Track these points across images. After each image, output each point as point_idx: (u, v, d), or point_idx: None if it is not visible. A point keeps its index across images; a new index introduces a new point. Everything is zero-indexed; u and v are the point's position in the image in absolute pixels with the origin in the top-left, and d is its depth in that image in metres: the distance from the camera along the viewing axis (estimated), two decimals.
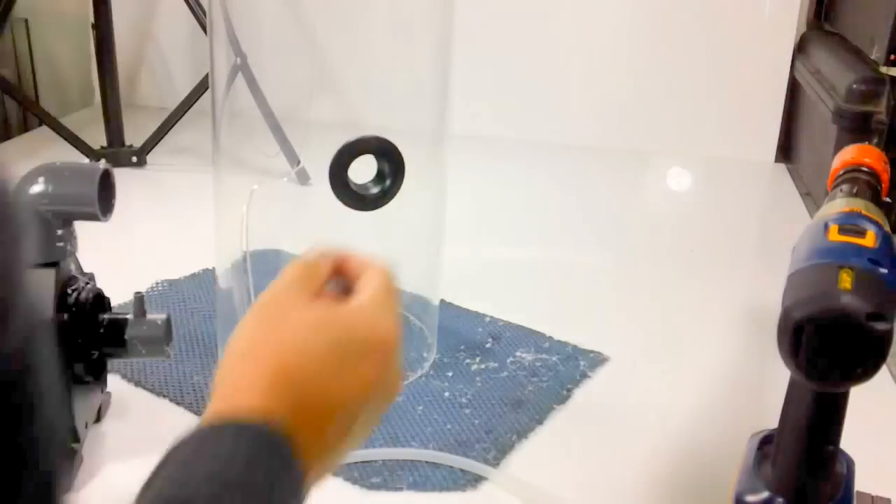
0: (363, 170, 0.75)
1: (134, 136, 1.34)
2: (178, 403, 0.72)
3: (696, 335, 0.89)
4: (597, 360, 0.82)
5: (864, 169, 0.62)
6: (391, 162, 0.75)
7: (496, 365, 0.80)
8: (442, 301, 0.89)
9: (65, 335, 0.60)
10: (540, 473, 0.66)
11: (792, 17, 1.41)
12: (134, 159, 1.31)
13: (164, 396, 0.73)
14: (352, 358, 0.35)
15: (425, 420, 0.71)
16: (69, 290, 0.61)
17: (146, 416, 0.71)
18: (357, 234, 0.87)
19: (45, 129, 1.31)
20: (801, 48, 1.42)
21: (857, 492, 0.54)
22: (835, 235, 0.51)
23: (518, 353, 0.82)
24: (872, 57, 1.08)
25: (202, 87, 1.20)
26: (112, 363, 0.75)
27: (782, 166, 1.47)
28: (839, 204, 0.56)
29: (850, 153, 0.64)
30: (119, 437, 0.68)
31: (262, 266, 0.90)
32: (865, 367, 0.45)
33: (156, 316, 0.64)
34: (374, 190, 0.76)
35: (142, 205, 1.19)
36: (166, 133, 1.32)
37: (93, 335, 0.63)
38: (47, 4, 1.57)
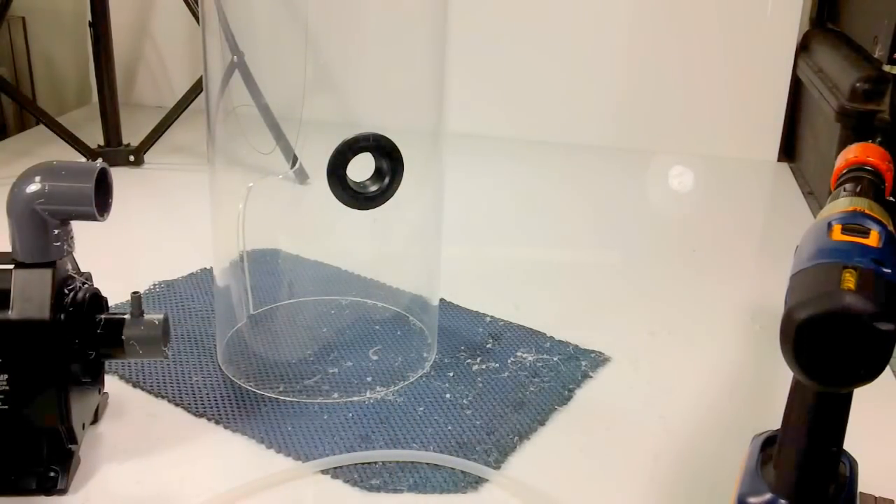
0: (361, 168, 0.75)
1: (131, 134, 1.34)
2: (176, 404, 0.72)
3: (698, 335, 0.89)
4: (598, 360, 0.81)
5: (868, 168, 0.62)
6: (390, 160, 0.75)
7: (497, 365, 0.79)
8: (442, 301, 0.89)
9: (62, 335, 0.59)
10: (542, 475, 0.65)
11: (794, 16, 1.41)
12: (131, 158, 1.31)
13: (162, 397, 0.73)
14: None
15: (426, 421, 0.71)
16: (66, 290, 0.61)
17: (144, 417, 0.71)
18: (355, 233, 0.87)
19: (42, 127, 1.31)
20: (803, 46, 1.42)
21: (861, 493, 0.54)
22: (838, 235, 0.50)
23: (519, 354, 0.81)
24: (876, 55, 1.08)
25: (199, 85, 1.20)
26: (110, 363, 0.75)
27: (785, 165, 1.46)
28: (842, 203, 0.55)
29: (854, 152, 0.64)
30: (117, 438, 0.68)
31: (260, 265, 0.90)
32: (869, 367, 0.45)
33: (153, 316, 0.64)
34: (373, 188, 0.75)
35: (139, 204, 1.19)
36: (164, 132, 1.31)
37: (90, 335, 0.62)
38: (45, 2, 1.57)
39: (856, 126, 1.07)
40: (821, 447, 0.50)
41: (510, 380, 0.77)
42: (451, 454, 0.66)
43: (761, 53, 1.43)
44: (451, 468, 0.65)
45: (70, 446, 0.62)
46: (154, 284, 0.93)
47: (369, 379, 0.77)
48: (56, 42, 1.62)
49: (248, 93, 1.04)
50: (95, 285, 0.65)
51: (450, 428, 0.70)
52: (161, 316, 0.64)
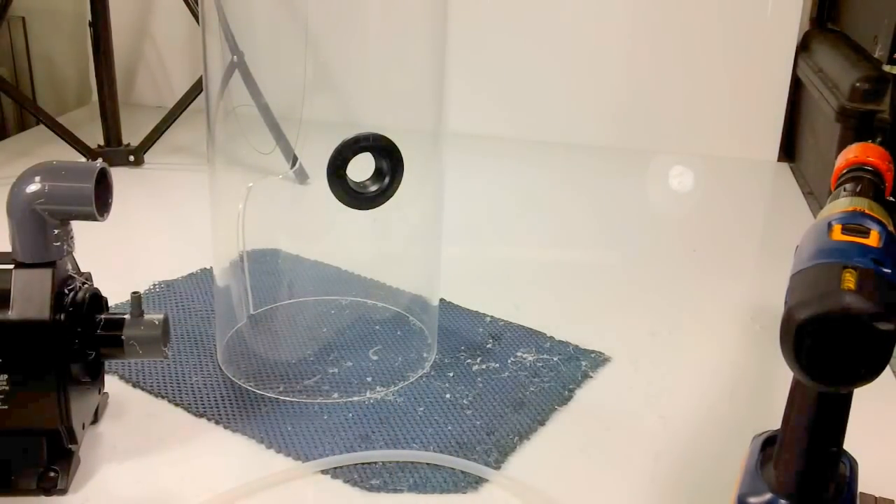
0: (361, 168, 0.75)
1: (131, 134, 1.34)
2: (176, 404, 0.72)
3: (699, 335, 0.89)
4: (598, 360, 0.81)
5: (868, 168, 0.62)
6: (390, 160, 0.75)
7: (497, 365, 0.79)
8: (442, 301, 0.89)
9: (62, 335, 0.59)
10: (542, 475, 0.65)
11: (794, 16, 1.41)
12: (131, 158, 1.31)
13: (162, 397, 0.73)
14: None
15: (426, 421, 0.71)
16: (66, 290, 0.61)
17: (144, 417, 0.71)
18: (355, 233, 0.87)
19: (42, 127, 1.31)
20: (803, 46, 1.42)
21: (861, 493, 0.54)
22: (838, 235, 0.50)
23: (519, 354, 0.81)
24: (876, 55, 1.08)
25: (199, 85, 1.20)
26: (110, 364, 0.74)
27: (785, 165, 1.46)
28: (842, 203, 0.55)
29: (854, 152, 0.64)
30: (116, 438, 0.68)
31: (260, 265, 0.90)
32: (869, 367, 0.45)
33: (153, 316, 0.64)
34: (373, 188, 0.75)
35: (139, 204, 1.19)
36: (164, 132, 1.31)
37: (90, 335, 0.62)
38: (45, 2, 1.57)
39: (856, 126, 1.07)
40: (821, 447, 0.50)
41: (510, 380, 0.77)
42: (451, 454, 0.66)
43: (761, 53, 1.43)
44: (451, 468, 0.65)
45: (70, 446, 0.62)
46: (154, 284, 0.93)
47: (369, 379, 0.76)
48: (56, 42, 1.61)
49: (248, 93, 1.04)
50: (95, 285, 0.65)
51: (450, 428, 0.70)
52: (161, 316, 0.64)
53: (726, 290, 0.99)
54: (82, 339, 0.62)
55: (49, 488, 0.61)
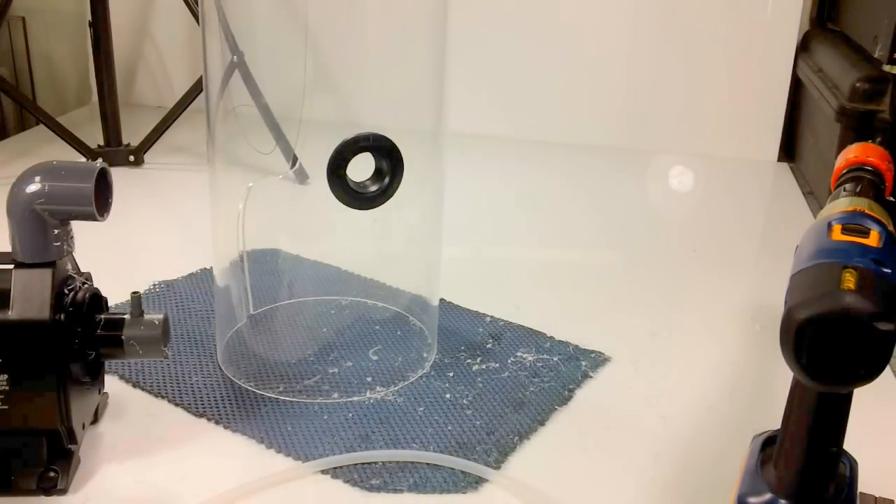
0: (361, 168, 0.75)
1: (131, 135, 1.34)
2: (176, 404, 0.72)
3: (699, 335, 0.89)
4: (598, 360, 0.81)
5: (868, 168, 0.62)
6: (390, 159, 0.75)
7: (497, 365, 0.79)
8: (442, 301, 0.89)
9: (62, 335, 0.59)
10: (542, 475, 0.65)
11: (795, 16, 1.41)
12: (131, 158, 1.31)
13: (162, 397, 0.73)
14: None
15: (426, 421, 0.71)
16: (66, 290, 0.61)
17: (144, 416, 0.71)
18: (355, 233, 0.87)
19: (41, 127, 1.31)
20: (803, 46, 1.42)
21: (861, 493, 0.54)
22: (838, 235, 0.50)
23: (519, 354, 0.81)
24: (876, 55, 1.08)
25: (199, 85, 1.20)
26: (110, 363, 0.74)
27: (785, 165, 1.46)
28: (842, 203, 0.55)
29: (854, 152, 0.64)
30: (117, 438, 0.68)
31: (260, 265, 0.90)
32: (869, 367, 0.45)
33: (153, 316, 0.64)
34: (373, 188, 0.75)
35: (139, 204, 1.19)
36: (164, 132, 1.31)
37: (90, 335, 0.62)
38: (45, 2, 1.57)
39: (856, 126, 1.07)
40: (821, 447, 0.50)
41: (510, 380, 0.77)
42: (451, 454, 0.66)
43: (761, 53, 1.43)
44: (451, 468, 0.65)
45: (70, 446, 0.62)
46: (154, 284, 0.93)
47: (369, 379, 0.76)
48: (56, 42, 1.61)
49: (248, 93, 1.04)
50: (95, 285, 0.65)
51: (450, 428, 0.70)
52: (161, 316, 0.64)
53: (726, 290, 0.99)
54: (82, 339, 0.62)
55: (49, 488, 0.61)
